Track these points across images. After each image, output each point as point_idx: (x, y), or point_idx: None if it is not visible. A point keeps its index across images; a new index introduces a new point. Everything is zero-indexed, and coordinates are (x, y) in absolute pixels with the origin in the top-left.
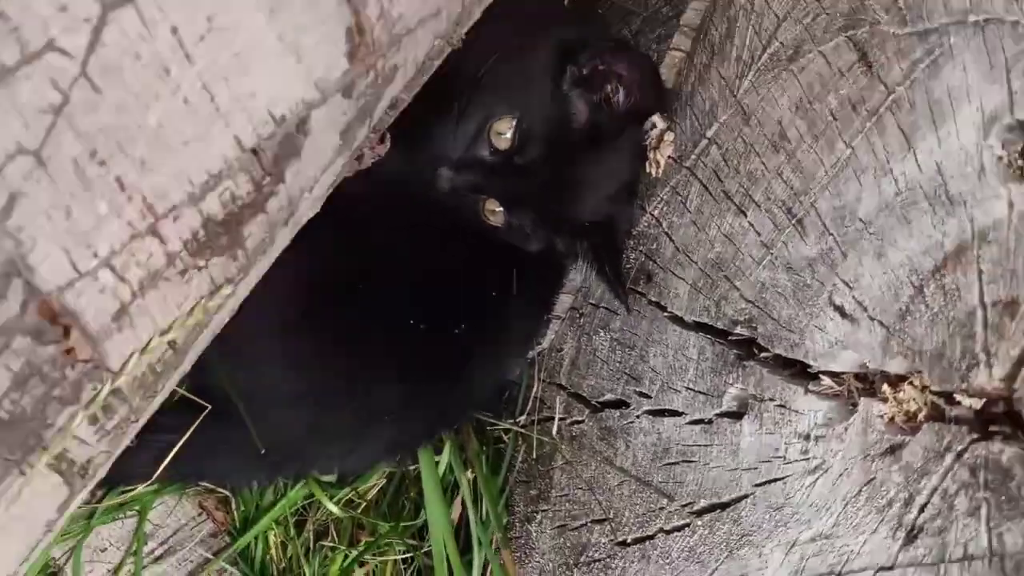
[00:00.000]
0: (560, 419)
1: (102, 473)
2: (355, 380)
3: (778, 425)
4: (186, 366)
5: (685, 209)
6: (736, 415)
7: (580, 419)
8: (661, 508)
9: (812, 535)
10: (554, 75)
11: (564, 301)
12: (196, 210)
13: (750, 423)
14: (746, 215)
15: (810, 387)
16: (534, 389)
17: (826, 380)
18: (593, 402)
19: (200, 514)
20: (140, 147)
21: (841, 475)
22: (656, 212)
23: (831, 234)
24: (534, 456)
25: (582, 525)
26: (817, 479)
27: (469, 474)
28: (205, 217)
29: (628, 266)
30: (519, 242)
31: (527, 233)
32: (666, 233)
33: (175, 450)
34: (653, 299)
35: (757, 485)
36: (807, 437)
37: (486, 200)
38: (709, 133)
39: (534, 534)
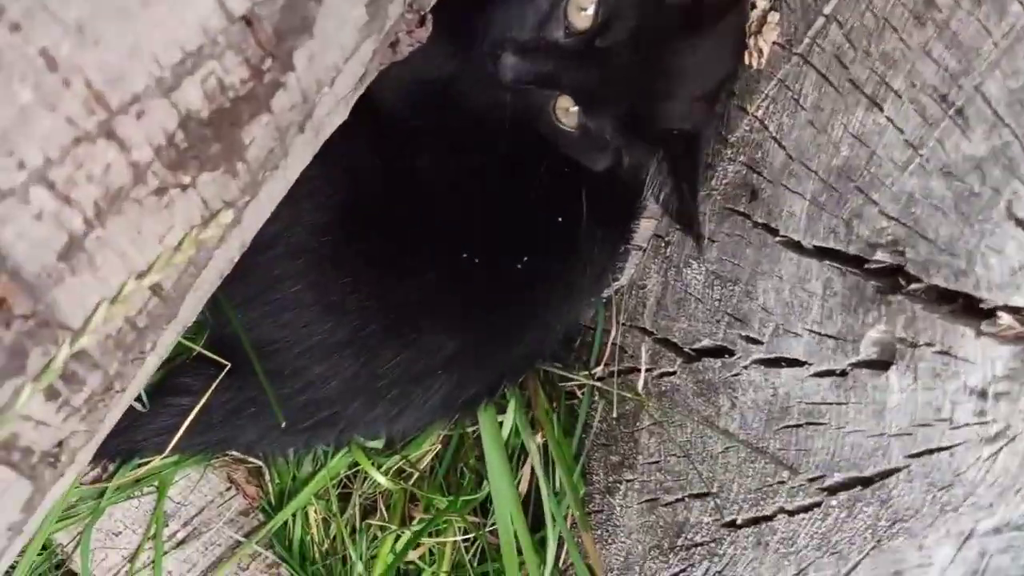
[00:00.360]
0: (646, 371)
1: (86, 457)
2: (402, 325)
3: (940, 378)
4: (185, 317)
5: (799, 107)
6: (879, 365)
7: (671, 370)
8: (781, 483)
9: (996, 524)
10: None
11: (646, 228)
12: (168, 103)
13: (900, 376)
14: (882, 109)
15: (984, 327)
16: (612, 335)
17: (1006, 318)
18: (687, 350)
19: (228, 489)
20: (75, 4)
21: None
22: (760, 113)
23: (1007, 124)
24: (615, 415)
25: (678, 500)
26: (1000, 450)
27: (539, 438)
28: (183, 113)
29: (725, 181)
30: (586, 155)
31: (601, 142)
32: (774, 138)
33: (192, 415)
34: (760, 220)
35: (912, 456)
36: (983, 394)
37: (558, 96)
38: (827, 9)
39: (618, 509)
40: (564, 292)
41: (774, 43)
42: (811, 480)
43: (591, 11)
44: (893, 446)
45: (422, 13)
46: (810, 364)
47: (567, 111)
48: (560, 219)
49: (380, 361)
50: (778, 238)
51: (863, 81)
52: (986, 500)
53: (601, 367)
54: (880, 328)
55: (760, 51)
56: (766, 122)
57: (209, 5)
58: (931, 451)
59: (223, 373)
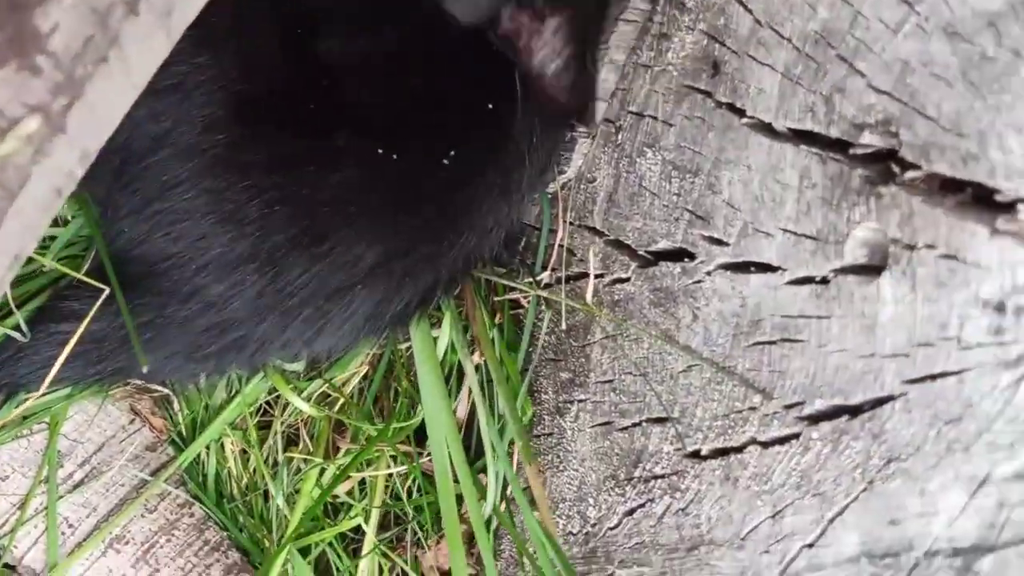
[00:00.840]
0: (596, 276)
1: None
2: (312, 234)
3: (945, 287)
4: (11, 248)
5: None
6: (869, 271)
7: (624, 276)
8: (752, 408)
9: (1018, 470)
10: None
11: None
12: None
13: (894, 283)
14: None
15: (1000, 225)
16: (559, 235)
17: None
18: (641, 252)
19: (132, 422)
20: None
21: None
22: None
23: None
24: (563, 327)
25: (635, 424)
26: (1022, 377)
27: (476, 357)
28: None
29: (682, 53)
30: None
31: None
32: (738, 0)
33: (69, 346)
34: (724, 100)
35: (911, 382)
36: (999, 307)
37: None
38: None
39: (569, 432)
40: (500, 188)
41: None
42: (788, 407)
43: None
44: (887, 369)
45: None
46: (784, 270)
47: None
48: (492, 103)
49: (289, 276)
50: (745, 119)
51: None
52: (1005, 439)
53: (548, 272)
54: (869, 226)
55: None
56: None
57: None
58: (934, 376)
59: (103, 295)
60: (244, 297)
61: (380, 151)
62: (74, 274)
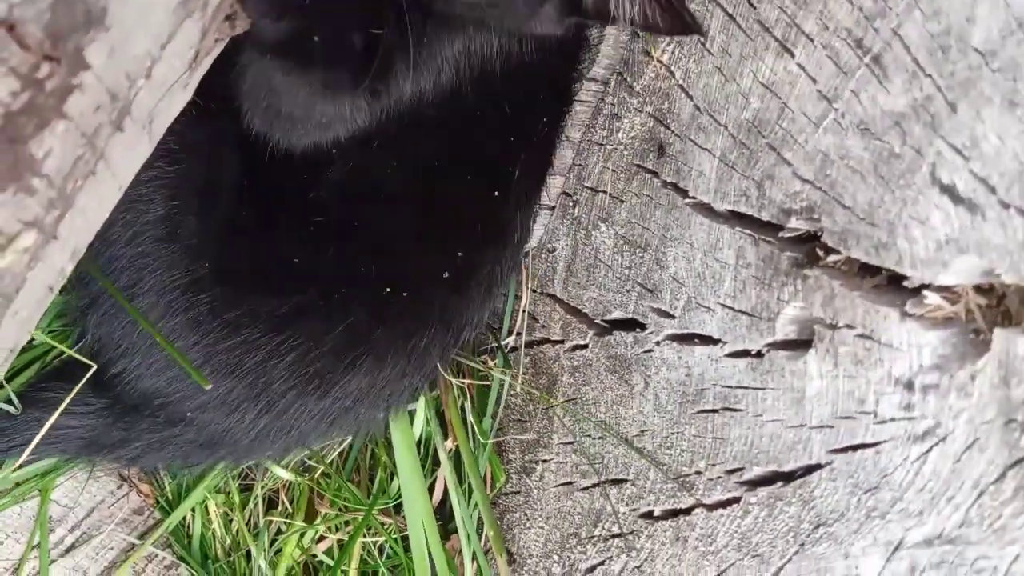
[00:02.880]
0: (556, 343)
1: None
2: (317, 380)
3: (862, 365)
4: (7, 339)
5: (705, 51)
6: (797, 346)
7: (582, 343)
8: (698, 472)
9: (927, 536)
10: None
11: (553, 185)
12: None
13: (819, 360)
14: (793, 55)
15: (908, 308)
16: (523, 301)
17: (933, 298)
18: (597, 321)
19: (120, 487)
20: None
21: (969, 447)
22: (665, 58)
23: (928, 75)
24: (526, 391)
25: (594, 486)
26: (930, 450)
27: (449, 443)
28: None
29: (631, 134)
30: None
31: None
32: (681, 87)
33: (46, 428)
34: (669, 179)
35: (835, 452)
36: (909, 385)
37: None
38: None
39: (535, 491)
40: (488, 285)
41: None
42: (729, 472)
43: None
44: (814, 439)
45: None
46: (724, 343)
47: None
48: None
49: (289, 415)
50: (688, 200)
51: (772, 22)
52: (915, 507)
53: (512, 336)
54: (797, 305)
55: None
56: (672, 68)
57: None
58: (855, 447)
59: (88, 375)
60: (242, 426)
61: (387, 291)
62: (64, 348)
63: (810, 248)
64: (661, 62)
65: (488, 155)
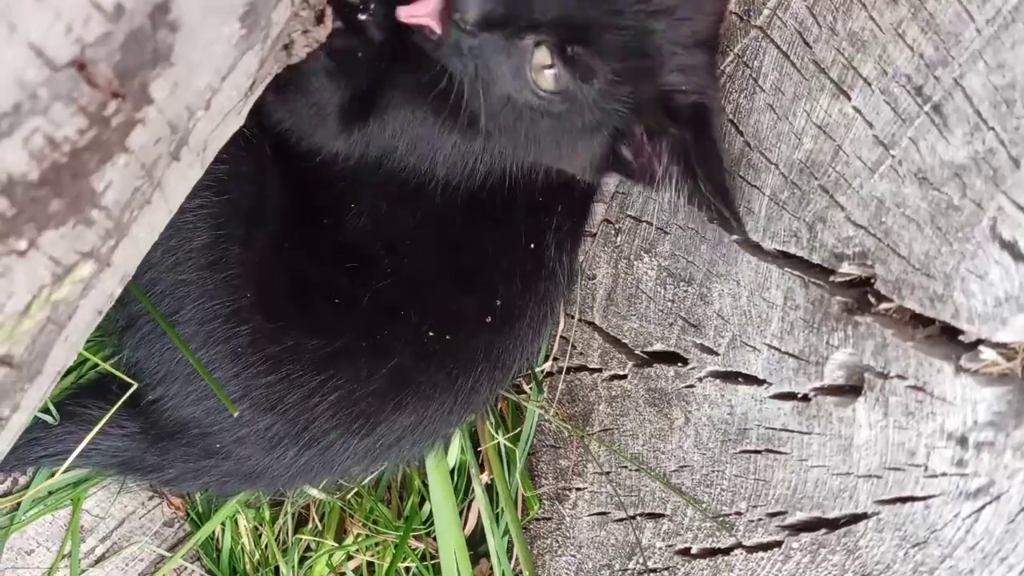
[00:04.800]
0: (594, 371)
1: None
2: (362, 420)
3: (914, 417)
4: (55, 366)
5: (757, 87)
6: (846, 392)
7: (622, 373)
8: (739, 513)
9: None
10: None
11: (595, 212)
12: None
13: (868, 408)
14: (849, 97)
15: (964, 362)
16: (560, 327)
17: (989, 353)
18: (638, 352)
19: (152, 498)
20: None
21: None
22: None
23: (991, 127)
24: (562, 418)
25: (630, 518)
26: (982, 508)
27: (485, 477)
28: (4, 181)
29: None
30: (573, 144)
31: (590, 115)
32: (731, 121)
33: (83, 443)
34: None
35: (882, 502)
36: (962, 441)
37: (527, 49)
38: None
39: (567, 518)
40: (536, 327)
41: (731, 12)
42: (771, 515)
43: None
44: (861, 488)
45: (319, 9)
46: (769, 384)
47: (545, 71)
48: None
49: (332, 452)
50: (735, 236)
51: (828, 63)
52: (966, 565)
53: (549, 362)
54: (847, 351)
55: None
56: (722, 101)
57: (23, 57)
58: (903, 499)
59: (128, 393)
60: (282, 462)
61: (431, 335)
62: (107, 367)
63: (861, 293)
64: None
65: (524, 206)
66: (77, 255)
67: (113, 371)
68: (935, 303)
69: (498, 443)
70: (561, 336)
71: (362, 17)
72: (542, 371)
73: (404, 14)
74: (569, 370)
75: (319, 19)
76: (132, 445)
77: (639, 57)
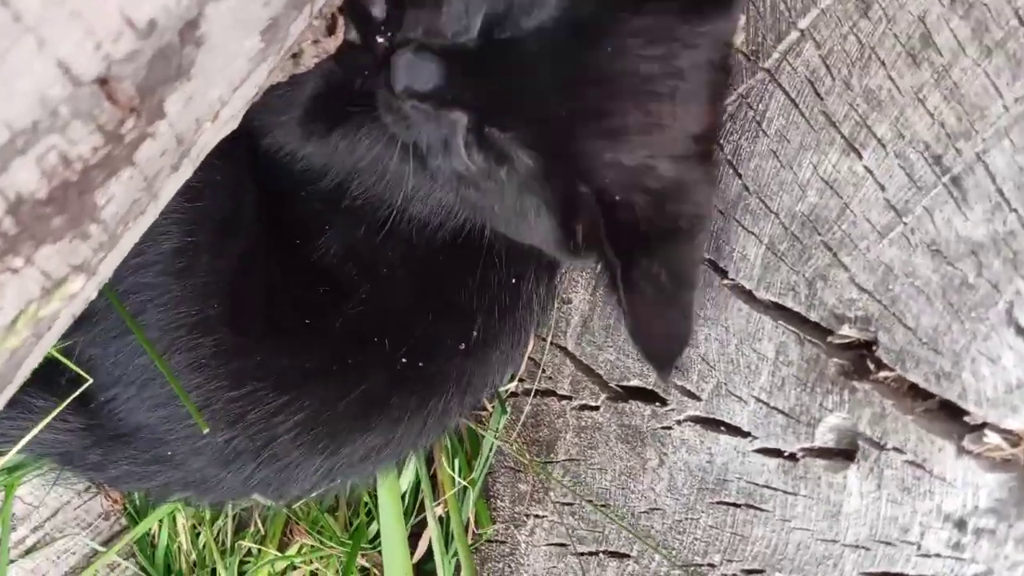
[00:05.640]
0: (563, 398)
1: None
2: (328, 440)
3: (909, 493)
4: (26, 371)
5: (760, 130)
6: (837, 456)
7: (593, 404)
8: (712, 565)
9: None
10: None
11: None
12: None
13: (861, 477)
14: (861, 156)
15: (967, 444)
16: (530, 347)
17: (994, 438)
18: (612, 385)
19: (88, 488)
20: None
21: None
22: None
23: (1013, 209)
24: (524, 442)
25: (591, 553)
26: None
27: (440, 510)
28: (11, 199)
29: None
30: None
31: (520, 195)
32: (729, 161)
33: (29, 436)
34: (707, 256)
35: (869, 575)
36: (960, 524)
37: (459, 122)
38: (803, 22)
39: (523, 545)
40: (509, 349)
41: (737, 51)
42: (748, 572)
43: None
44: (847, 558)
45: (331, 19)
46: (755, 437)
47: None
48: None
49: (293, 471)
50: (726, 281)
51: (840, 118)
52: None
53: (515, 383)
54: (840, 415)
55: None
56: (721, 140)
57: (49, 74)
58: (893, 575)
59: (81, 389)
60: (240, 477)
61: (404, 361)
62: (66, 362)
63: (859, 356)
64: None
65: (506, 243)
66: (69, 268)
67: (66, 362)
68: (941, 380)
69: (453, 464)
70: (530, 357)
71: (379, 40)
72: (507, 391)
73: None
74: (536, 393)
75: (330, 29)
76: (75, 441)
77: (569, 157)
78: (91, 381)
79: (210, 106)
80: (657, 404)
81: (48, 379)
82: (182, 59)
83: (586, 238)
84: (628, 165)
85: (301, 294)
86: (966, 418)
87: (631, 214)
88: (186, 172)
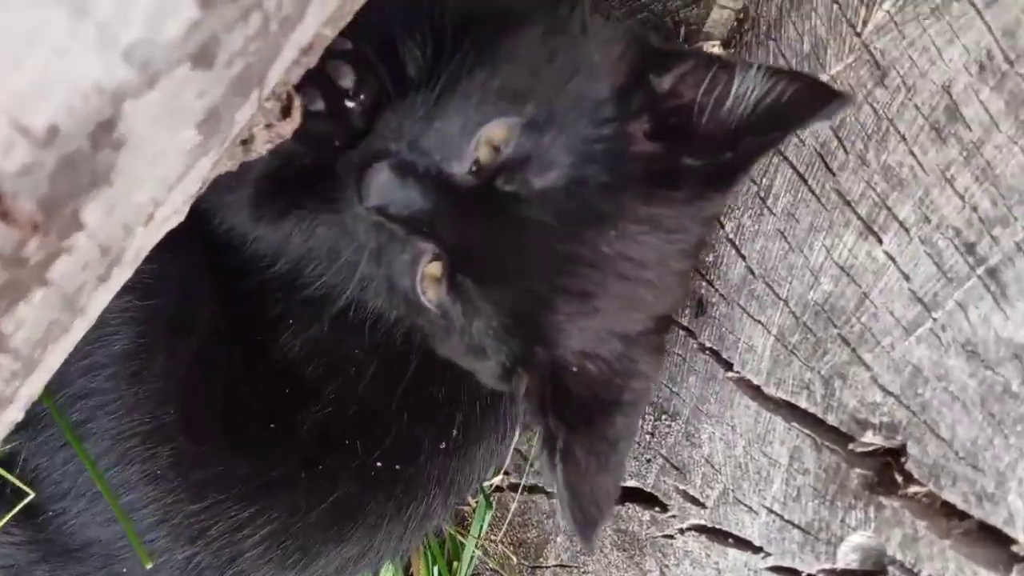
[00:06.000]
0: (552, 495)
1: None
2: (297, 552)
3: None
4: None
5: (765, 208)
6: None
7: None
8: None
9: None
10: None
11: None
12: None
13: None
14: (881, 240)
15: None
16: (516, 437)
17: None
18: None
19: None
20: None
21: None
22: None
23: None
24: (510, 543)
25: None
26: None
27: None
28: None
29: None
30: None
31: (469, 342)
32: (730, 240)
33: None
34: (708, 344)
35: None
36: None
37: (429, 258)
38: None
39: None
40: (491, 446)
41: None
42: None
43: (503, 136)
44: None
45: (286, 100)
46: (768, 554)
47: (434, 280)
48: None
49: None
50: (731, 374)
51: (856, 196)
52: None
53: (500, 476)
54: (865, 534)
55: None
56: (722, 219)
57: None
58: None
59: (24, 502)
60: None
61: (379, 464)
62: (7, 475)
63: (884, 465)
64: None
65: None
66: None
67: (8, 476)
68: (983, 502)
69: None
70: (516, 448)
71: (350, 104)
72: (491, 486)
73: None
74: (524, 489)
75: (285, 111)
76: (20, 556)
77: (536, 324)
78: (33, 495)
79: (139, 209)
80: (657, 509)
81: None
82: (96, 165)
83: (528, 395)
84: (591, 339)
85: (263, 394)
86: (1014, 547)
87: (580, 386)
88: (119, 280)
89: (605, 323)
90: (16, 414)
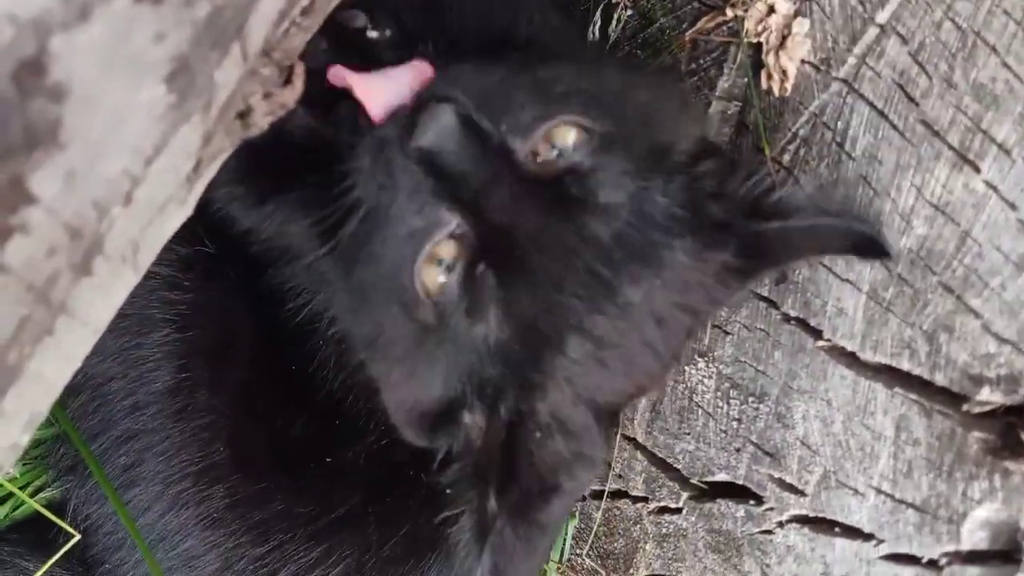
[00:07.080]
0: (637, 499)
1: None
2: None
3: None
4: None
5: (843, 153)
6: (994, 558)
7: (674, 506)
8: None
9: None
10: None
11: None
12: None
13: None
14: (979, 169)
15: None
16: None
17: None
18: (694, 481)
19: None
20: None
21: None
22: (786, 158)
23: None
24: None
25: None
26: None
27: None
28: None
29: None
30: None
31: (449, 353)
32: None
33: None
34: (793, 314)
35: None
36: None
37: (442, 227)
38: (881, 16)
39: None
40: None
41: (803, 61)
42: None
43: (572, 140)
44: None
45: (286, 65)
46: (880, 540)
47: (432, 265)
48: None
49: None
50: (821, 343)
51: (945, 125)
52: None
53: None
54: (993, 507)
55: (784, 72)
56: (795, 171)
57: None
58: None
59: (73, 540)
60: None
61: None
62: (58, 521)
63: (1007, 426)
64: (779, 162)
65: None
66: None
67: (51, 516)
68: None
69: None
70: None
71: (372, 34)
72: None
73: (358, 87)
74: (607, 495)
75: (287, 79)
76: None
77: (534, 357)
78: (78, 537)
79: (111, 184)
80: (751, 502)
81: (42, 537)
82: (30, 117)
83: (468, 451)
84: (569, 400)
85: (311, 428)
86: None
87: (532, 465)
88: (112, 275)
89: (594, 384)
90: (15, 434)
